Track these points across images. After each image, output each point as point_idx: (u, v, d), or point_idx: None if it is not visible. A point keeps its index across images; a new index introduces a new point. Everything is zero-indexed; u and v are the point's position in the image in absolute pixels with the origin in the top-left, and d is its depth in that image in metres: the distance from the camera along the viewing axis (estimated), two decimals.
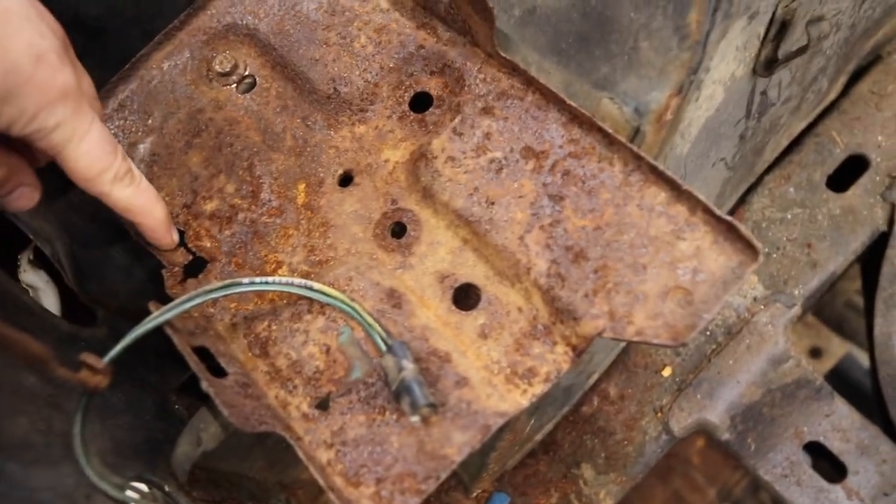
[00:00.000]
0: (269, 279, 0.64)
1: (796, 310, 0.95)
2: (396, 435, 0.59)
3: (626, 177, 0.61)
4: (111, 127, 0.78)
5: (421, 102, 0.74)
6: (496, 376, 0.60)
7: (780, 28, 0.71)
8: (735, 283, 0.56)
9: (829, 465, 1.00)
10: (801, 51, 0.71)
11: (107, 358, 0.61)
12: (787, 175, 1.02)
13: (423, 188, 0.68)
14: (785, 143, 0.98)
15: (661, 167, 0.59)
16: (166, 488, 0.71)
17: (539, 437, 0.97)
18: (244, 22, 0.81)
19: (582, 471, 0.98)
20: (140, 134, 0.77)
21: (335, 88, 0.75)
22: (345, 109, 0.75)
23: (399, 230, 0.69)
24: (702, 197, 0.58)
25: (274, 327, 0.66)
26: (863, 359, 1.62)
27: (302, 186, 0.74)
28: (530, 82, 0.67)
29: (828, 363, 1.59)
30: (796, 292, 0.96)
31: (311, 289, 0.64)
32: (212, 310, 0.69)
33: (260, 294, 0.69)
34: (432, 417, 0.58)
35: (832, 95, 1.01)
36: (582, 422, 0.98)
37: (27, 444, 0.64)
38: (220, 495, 0.78)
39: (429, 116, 0.72)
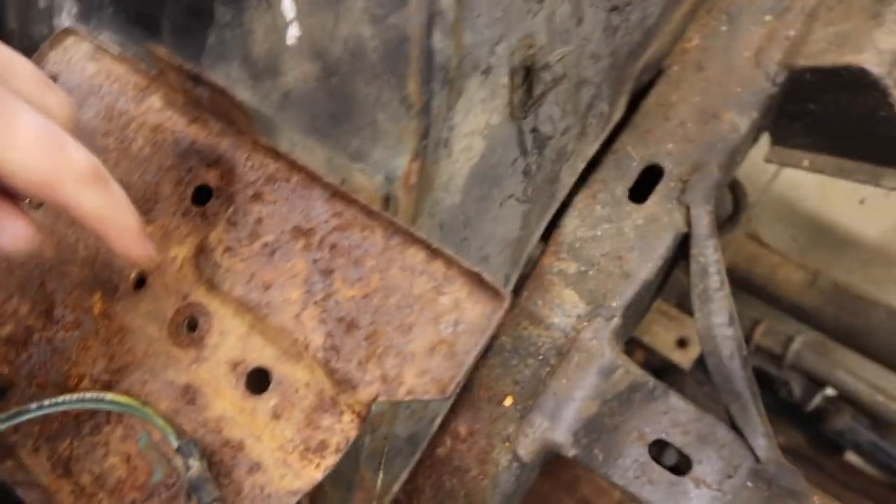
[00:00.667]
0: (59, 399, 0.64)
1: (616, 321, 1.00)
2: None
3: (387, 241, 0.65)
4: None
5: (203, 195, 0.76)
6: (290, 455, 0.63)
7: (525, 74, 0.77)
8: (490, 329, 0.60)
9: (680, 459, 1.06)
10: (541, 95, 0.77)
11: None
12: (593, 193, 1.08)
13: (207, 280, 0.70)
14: (581, 165, 1.04)
15: (412, 230, 0.63)
16: None
17: (397, 487, 0.99)
18: None
19: None
20: None
21: None
22: None
23: (192, 324, 0.71)
24: (451, 253, 0.62)
25: (76, 444, 0.67)
26: None
27: (97, 296, 0.75)
28: (293, 164, 0.70)
29: (694, 351, 1.67)
30: (614, 304, 1.01)
31: (102, 401, 0.65)
32: (14, 437, 0.69)
33: (65, 412, 0.69)
34: None
35: (617, 115, 1.09)
36: (439, 464, 1.00)
37: None
38: None
39: (209, 208, 0.75)
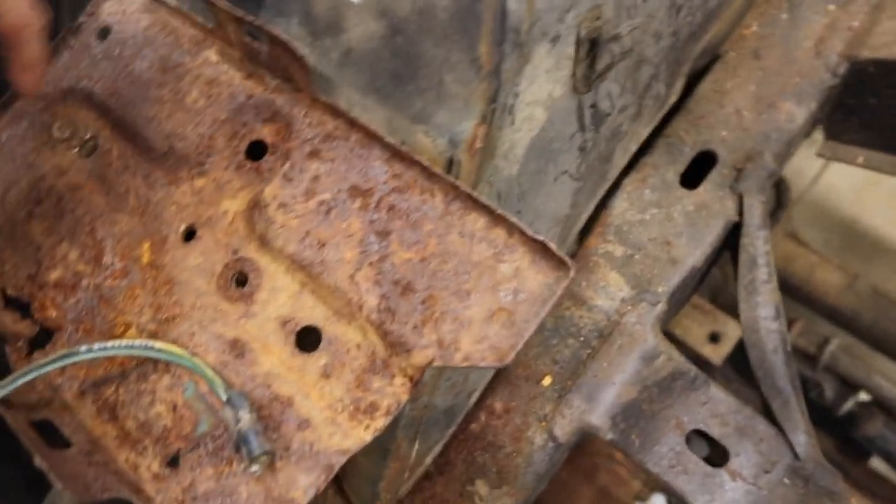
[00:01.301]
0: (108, 344, 0.64)
1: (661, 306, 0.99)
2: (244, 485, 0.60)
3: (447, 206, 0.64)
4: None
5: (257, 150, 0.75)
6: (340, 414, 0.62)
7: (589, 47, 0.75)
8: (552, 299, 0.58)
9: (712, 451, 1.04)
10: (608, 68, 0.75)
11: None
12: (643, 177, 1.06)
13: (260, 236, 0.69)
14: (634, 147, 1.02)
15: (476, 195, 0.62)
16: None
17: (429, 459, 0.99)
18: (80, 86, 0.81)
19: (476, 487, 0.99)
20: None
21: (171, 145, 0.76)
22: (183, 165, 0.76)
23: (241, 280, 0.70)
24: (516, 220, 0.60)
25: (122, 390, 0.66)
26: None
27: (146, 245, 0.74)
28: (353, 122, 0.69)
29: (726, 347, 1.65)
30: (660, 290, 1.00)
31: (151, 348, 0.64)
32: (59, 380, 0.68)
33: (110, 358, 0.69)
34: (277, 463, 0.59)
35: (673, 98, 1.06)
36: (472, 439, 1.00)
37: None
38: None
39: (264, 164, 0.74)
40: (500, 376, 1.00)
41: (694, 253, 1.02)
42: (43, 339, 0.72)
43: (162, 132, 0.77)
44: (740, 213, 1.04)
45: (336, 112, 0.70)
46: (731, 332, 1.65)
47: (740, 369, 1.80)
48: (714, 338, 1.66)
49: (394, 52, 0.67)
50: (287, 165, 0.70)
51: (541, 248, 0.59)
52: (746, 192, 1.03)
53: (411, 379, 0.61)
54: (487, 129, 0.64)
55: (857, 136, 1.22)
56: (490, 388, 1.00)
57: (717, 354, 1.64)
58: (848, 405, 1.80)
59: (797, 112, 1.11)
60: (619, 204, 1.05)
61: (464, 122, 0.65)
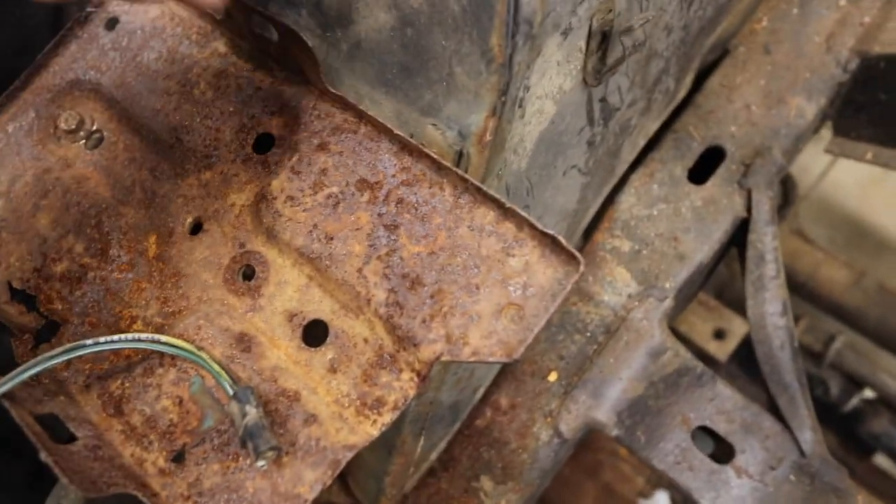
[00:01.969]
0: (115, 337, 0.64)
1: (668, 302, 0.98)
2: (251, 480, 0.59)
3: (457, 199, 0.63)
4: None
5: (264, 143, 0.74)
6: (346, 409, 0.61)
7: (601, 39, 0.74)
8: (561, 294, 0.58)
9: (718, 447, 1.04)
10: (619, 61, 0.74)
11: None
12: (650, 172, 1.05)
13: (267, 229, 0.69)
14: (642, 142, 1.02)
15: (485, 188, 0.61)
16: None
17: (434, 455, 0.98)
18: (87, 77, 0.81)
19: (481, 483, 0.99)
20: None
21: (177, 137, 0.75)
22: (189, 157, 0.75)
23: (248, 273, 0.70)
24: (525, 214, 0.60)
25: (127, 384, 0.66)
26: None
27: (153, 238, 0.74)
28: (362, 115, 0.68)
29: (731, 343, 1.64)
30: (667, 285, 0.99)
31: (158, 342, 0.64)
32: (65, 373, 0.68)
33: (115, 351, 0.68)
34: (283, 458, 0.59)
35: (682, 93, 1.06)
36: (477, 435, 0.99)
37: None
38: None
39: (271, 157, 0.73)
40: (506, 372, 1.00)
41: (701, 248, 1.01)
42: (48, 332, 0.71)
43: (169, 124, 0.76)
44: (748, 208, 1.03)
45: (345, 104, 0.69)
46: (737, 328, 1.65)
47: (745, 366, 1.79)
48: (719, 334, 1.65)
49: (404, 44, 0.67)
50: (295, 158, 0.70)
51: (550, 243, 0.59)
52: (755, 188, 1.02)
53: (419, 374, 0.60)
54: (497, 121, 0.63)
55: (866, 132, 1.21)
56: (495, 384, 1.00)
57: (722, 351, 1.64)
58: (853, 402, 1.79)
59: (807, 107, 1.10)
60: (627, 199, 1.05)
61: (473, 115, 0.64)
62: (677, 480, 1.00)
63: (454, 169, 0.62)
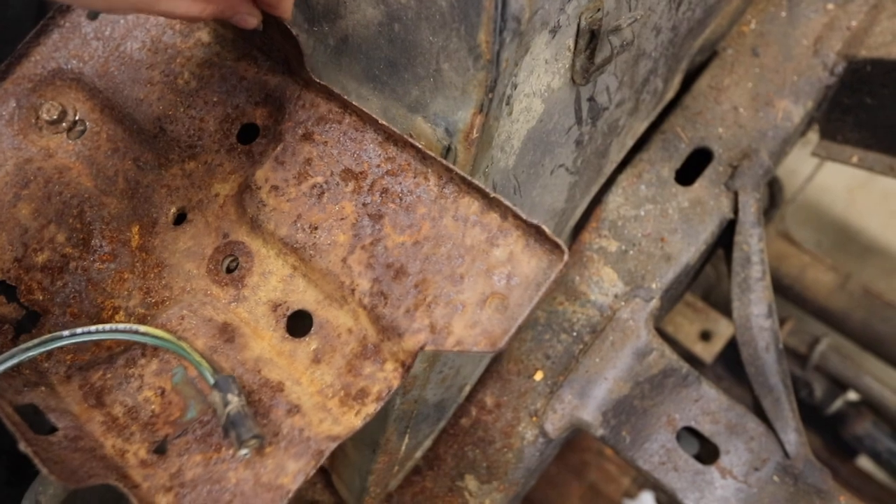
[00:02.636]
0: (93, 328, 0.63)
1: (655, 303, 0.98)
2: (233, 471, 0.59)
3: (441, 189, 0.63)
4: None
5: (248, 133, 0.74)
6: (330, 400, 0.61)
7: (589, 38, 0.74)
8: (545, 284, 0.58)
9: (702, 448, 1.04)
10: (607, 60, 0.74)
11: None
12: (638, 173, 1.06)
13: (251, 219, 0.68)
14: (630, 142, 1.02)
15: (470, 178, 0.61)
16: None
17: (419, 454, 0.98)
18: (69, 66, 0.80)
19: (466, 482, 0.98)
20: None
21: (161, 127, 0.75)
22: (173, 147, 0.75)
23: (232, 263, 0.69)
24: (510, 203, 0.59)
25: (109, 375, 0.65)
26: None
27: (136, 228, 0.73)
28: (346, 105, 0.68)
29: (717, 345, 1.65)
30: (654, 286, 0.99)
31: (136, 332, 0.63)
32: (46, 364, 0.67)
33: (97, 342, 0.68)
34: (266, 448, 0.58)
35: (670, 94, 1.06)
36: (462, 434, 0.99)
37: None
38: None
39: (255, 147, 0.73)
40: (492, 371, 1.00)
41: (688, 249, 1.02)
42: (29, 322, 0.70)
43: (152, 114, 0.76)
44: (735, 210, 1.04)
45: (330, 94, 0.69)
46: (723, 330, 1.65)
47: (731, 368, 1.80)
48: (705, 336, 1.66)
49: (391, 39, 0.67)
50: (279, 148, 0.69)
51: (535, 232, 0.58)
52: (741, 190, 1.03)
53: (403, 364, 0.60)
54: (484, 118, 0.63)
55: (852, 135, 1.22)
56: (481, 383, 1.00)
57: (708, 352, 1.64)
58: (837, 404, 1.80)
59: (794, 110, 1.11)
60: (614, 199, 1.05)
61: (460, 112, 0.64)
62: (662, 481, 1.00)
63: (439, 159, 0.62)
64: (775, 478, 1.00)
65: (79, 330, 0.62)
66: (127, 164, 0.76)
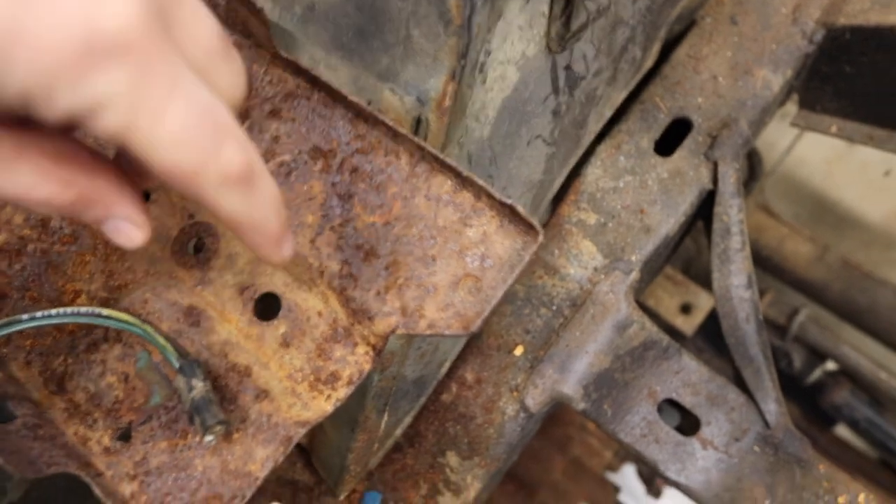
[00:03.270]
0: (53, 312, 0.60)
1: (634, 275, 0.97)
2: (200, 458, 0.57)
3: (413, 168, 0.61)
4: None
5: None
6: (300, 384, 0.59)
7: (564, 4, 0.72)
8: (519, 265, 0.56)
9: (683, 419, 1.04)
10: (583, 26, 0.72)
11: None
12: (617, 144, 1.04)
13: None
14: (608, 113, 1.00)
15: (442, 157, 0.59)
16: None
17: (399, 431, 0.97)
18: None
19: (447, 459, 0.98)
20: None
21: None
22: None
23: (198, 245, 0.67)
24: (483, 183, 0.57)
25: (70, 360, 0.63)
26: None
27: None
28: (315, 81, 0.65)
29: (698, 318, 1.65)
30: (633, 258, 0.98)
31: (98, 315, 0.61)
32: (4, 349, 0.65)
33: (58, 326, 0.65)
34: (233, 435, 0.57)
35: (649, 63, 1.04)
36: (443, 410, 0.98)
37: None
38: None
39: None
40: (472, 346, 0.98)
41: (668, 221, 1.00)
42: None
43: None
44: (714, 181, 1.03)
45: (297, 69, 0.66)
46: (703, 303, 1.65)
47: (711, 340, 1.81)
48: (686, 309, 1.66)
49: (359, 5, 0.64)
50: (245, 125, 0.66)
51: (509, 212, 0.57)
52: (721, 160, 1.01)
53: (374, 347, 0.59)
54: (457, 86, 0.61)
55: (831, 104, 1.21)
56: (461, 359, 0.98)
57: (688, 325, 1.64)
58: (815, 374, 1.82)
59: (773, 79, 1.09)
60: (593, 171, 1.03)
61: (432, 79, 0.61)
62: (643, 453, 0.99)
63: (411, 136, 0.60)
64: (756, 448, 1.00)
65: (38, 314, 0.60)
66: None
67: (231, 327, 0.62)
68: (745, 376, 1.00)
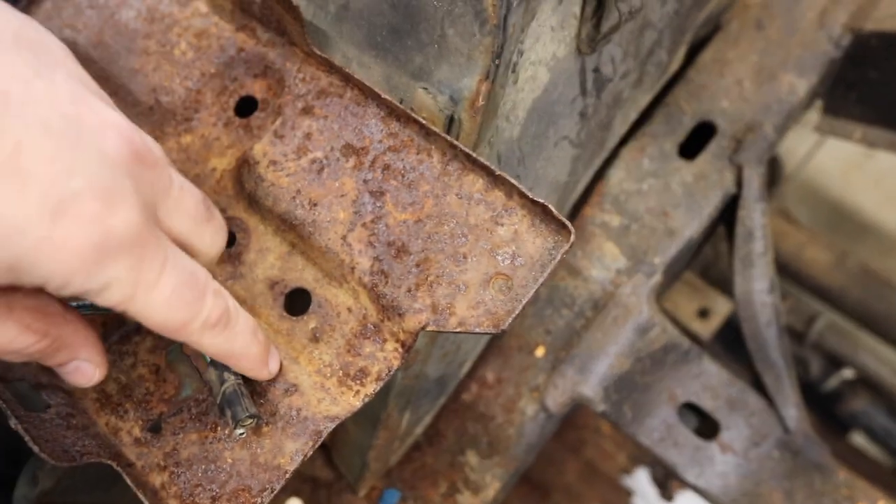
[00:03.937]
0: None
1: (657, 278, 0.97)
2: (229, 450, 0.58)
3: (445, 167, 0.61)
4: None
5: (246, 107, 0.72)
6: (329, 380, 0.60)
7: (596, 5, 0.72)
8: (551, 264, 0.56)
9: (703, 423, 1.04)
10: (614, 28, 0.72)
11: None
12: (641, 147, 1.04)
13: (249, 195, 0.66)
14: (634, 115, 1.00)
15: (474, 155, 0.59)
16: None
17: (420, 430, 0.97)
18: (62, 36, 0.77)
19: (467, 458, 0.98)
20: None
21: (157, 99, 0.73)
22: (169, 120, 0.73)
23: (229, 240, 0.67)
24: (515, 181, 0.58)
25: None
26: None
27: None
28: (348, 79, 0.66)
29: (715, 322, 1.64)
30: (656, 261, 0.98)
31: None
32: None
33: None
34: (263, 429, 0.57)
35: (675, 66, 1.04)
36: (463, 409, 0.98)
37: None
38: None
39: (253, 121, 0.71)
40: (493, 346, 0.99)
41: (691, 224, 1.00)
42: None
43: (147, 85, 0.73)
44: (738, 184, 1.02)
45: (331, 67, 0.67)
46: (721, 307, 1.65)
47: (728, 345, 1.80)
48: (703, 313, 1.65)
49: (393, 4, 0.64)
50: (278, 122, 0.67)
51: (541, 211, 0.57)
52: (745, 164, 1.01)
53: (403, 344, 0.59)
54: (490, 86, 0.61)
55: (856, 110, 1.20)
56: (482, 359, 0.99)
57: (706, 330, 1.64)
58: (833, 382, 1.80)
59: (798, 84, 1.09)
60: (617, 173, 1.03)
61: (465, 79, 0.62)
62: (662, 456, 0.99)
63: (443, 135, 0.60)
64: (775, 453, 1.00)
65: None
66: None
67: (261, 322, 0.63)
68: (766, 381, 1.00)
